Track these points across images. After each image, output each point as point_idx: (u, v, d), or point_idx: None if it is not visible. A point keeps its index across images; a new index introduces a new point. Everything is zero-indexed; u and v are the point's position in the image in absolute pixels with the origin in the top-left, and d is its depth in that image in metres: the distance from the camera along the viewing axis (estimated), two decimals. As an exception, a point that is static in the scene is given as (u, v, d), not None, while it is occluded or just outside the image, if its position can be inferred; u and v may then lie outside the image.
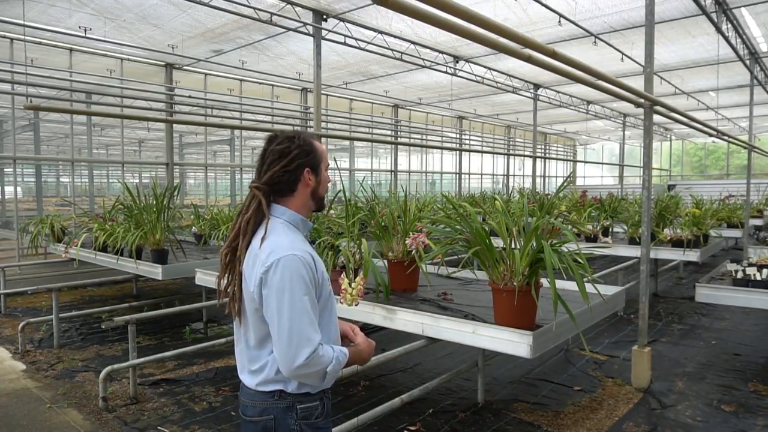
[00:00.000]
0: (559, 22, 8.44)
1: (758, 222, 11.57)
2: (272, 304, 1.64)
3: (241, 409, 1.82)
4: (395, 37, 9.79)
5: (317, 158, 1.81)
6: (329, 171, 1.93)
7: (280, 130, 1.86)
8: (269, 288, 1.64)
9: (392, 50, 10.14)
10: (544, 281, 3.36)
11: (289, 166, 1.75)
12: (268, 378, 1.73)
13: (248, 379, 1.78)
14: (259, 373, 1.74)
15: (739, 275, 4.85)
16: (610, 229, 7.82)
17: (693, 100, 15.75)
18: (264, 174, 1.77)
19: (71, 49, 9.49)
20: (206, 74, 11.71)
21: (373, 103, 15.80)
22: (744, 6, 8.33)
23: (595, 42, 9.58)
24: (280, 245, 1.68)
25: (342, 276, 3.22)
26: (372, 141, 17.52)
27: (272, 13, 8.05)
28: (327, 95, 14.23)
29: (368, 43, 9.70)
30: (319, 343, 1.64)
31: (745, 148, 11.48)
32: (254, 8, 7.73)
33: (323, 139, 10.76)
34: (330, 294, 1.82)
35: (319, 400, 1.78)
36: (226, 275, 1.81)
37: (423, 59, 10.98)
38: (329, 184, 1.91)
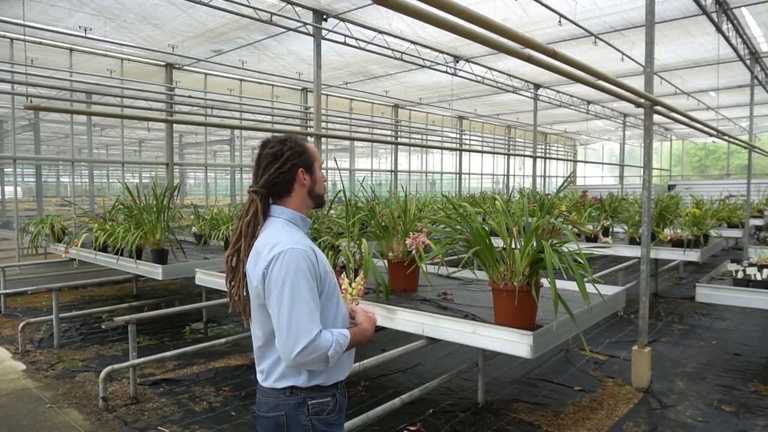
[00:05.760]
0: (559, 22, 8.44)
1: (758, 222, 11.59)
2: (273, 296, 1.69)
3: (256, 405, 1.88)
4: (395, 37, 9.79)
5: (310, 158, 1.87)
6: (329, 171, 1.97)
7: (273, 135, 1.93)
8: (270, 281, 1.69)
9: (392, 50, 10.14)
10: (544, 281, 3.36)
11: (283, 168, 1.81)
12: (279, 375, 1.77)
13: (260, 377, 1.84)
14: (270, 371, 1.79)
15: (740, 275, 4.85)
16: (611, 229, 7.82)
17: (693, 100, 15.75)
18: (260, 177, 1.83)
19: (71, 49, 9.49)
20: (206, 74, 11.71)
21: (373, 103, 15.79)
22: (744, 6, 8.33)
23: (595, 42, 9.58)
24: (279, 240, 1.74)
25: (342, 276, 3.21)
26: (372, 141, 17.51)
27: (272, 13, 8.06)
28: (327, 95, 14.23)
29: (368, 43, 9.70)
30: (317, 333, 1.67)
31: (745, 148, 11.48)
32: (254, 8, 7.73)
33: (322, 140, 10.74)
34: (335, 287, 1.85)
35: (331, 396, 1.81)
36: (233, 277, 1.87)
37: (423, 59, 10.97)
38: (326, 183, 1.98)
